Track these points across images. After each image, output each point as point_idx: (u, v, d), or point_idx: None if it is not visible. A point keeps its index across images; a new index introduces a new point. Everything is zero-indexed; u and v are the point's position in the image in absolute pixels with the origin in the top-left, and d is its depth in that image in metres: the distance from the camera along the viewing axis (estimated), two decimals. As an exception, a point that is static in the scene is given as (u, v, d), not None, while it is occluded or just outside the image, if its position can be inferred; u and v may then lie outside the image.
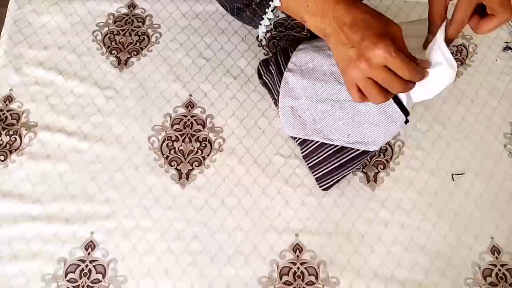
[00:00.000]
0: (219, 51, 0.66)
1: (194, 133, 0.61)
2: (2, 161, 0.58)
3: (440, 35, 0.46)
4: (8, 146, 0.58)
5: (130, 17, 0.68)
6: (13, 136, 0.59)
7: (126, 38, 0.67)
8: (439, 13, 0.47)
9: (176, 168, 0.58)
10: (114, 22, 0.68)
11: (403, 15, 0.70)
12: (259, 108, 0.63)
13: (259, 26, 0.52)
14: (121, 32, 0.67)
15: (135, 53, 0.66)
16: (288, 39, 0.67)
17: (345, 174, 0.56)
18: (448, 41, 0.46)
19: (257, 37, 0.68)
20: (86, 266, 0.53)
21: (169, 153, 0.59)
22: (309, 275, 0.54)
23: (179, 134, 0.60)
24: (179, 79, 0.64)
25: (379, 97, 0.44)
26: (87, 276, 0.52)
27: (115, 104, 0.62)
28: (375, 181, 0.59)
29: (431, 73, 0.45)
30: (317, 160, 0.56)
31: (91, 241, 0.54)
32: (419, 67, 0.44)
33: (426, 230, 0.57)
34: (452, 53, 0.68)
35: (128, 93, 0.63)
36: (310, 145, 0.56)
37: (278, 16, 0.56)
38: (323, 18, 0.44)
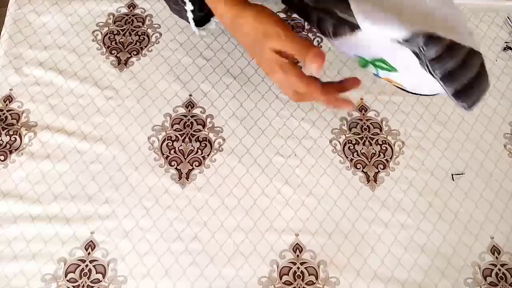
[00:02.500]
0: (219, 51, 0.67)
1: (194, 133, 0.61)
2: (2, 161, 0.58)
3: None
4: (8, 146, 0.58)
5: (130, 17, 0.68)
6: (13, 136, 0.59)
7: (126, 38, 0.67)
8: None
9: (176, 168, 0.58)
10: (114, 22, 0.68)
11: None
12: (259, 108, 0.63)
13: (188, 20, 0.53)
14: (121, 32, 0.67)
15: (135, 53, 0.66)
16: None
17: None
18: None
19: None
20: (86, 266, 0.53)
21: (169, 153, 0.59)
22: (309, 275, 0.54)
23: (179, 134, 0.60)
24: (179, 79, 0.64)
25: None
26: (87, 276, 0.52)
27: (115, 104, 0.62)
28: (375, 181, 0.59)
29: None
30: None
31: (91, 241, 0.54)
32: (315, 84, 0.43)
33: (426, 230, 0.57)
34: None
35: (128, 93, 0.63)
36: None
37: (203, 13, 0.57)
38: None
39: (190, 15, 0.53)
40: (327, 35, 0.47)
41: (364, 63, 0.47)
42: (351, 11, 0.42)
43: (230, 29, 0.47)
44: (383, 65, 0.45)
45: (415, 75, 0.42)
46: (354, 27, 0.42)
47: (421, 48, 0.38)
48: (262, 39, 0.43)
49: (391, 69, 0.45)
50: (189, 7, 0.52)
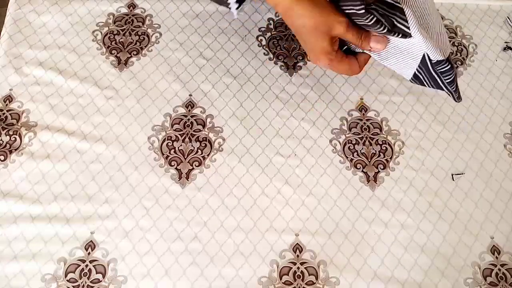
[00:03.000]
0: (219, 51, 0.67)
1: (194, 133, 0.61)
2: (2, 161, 0.58)
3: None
4: (8, 146, 0.58)
5: (130, 17, 0.68)
6: (13, 136, 0.59)
7: (126, 38, 0.67)
8: None
9: (176, 168, 0.58)
10: (114, 22, 0.68)
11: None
12: (259, 108, 0.63)
13: (229, 6, 0.54)
14: (121, 32, 0.67)
15: (135, 53, 0.66)
16: (288, 39, 0.67)
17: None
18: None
19: (257, 37, 0.68)
20: (86, 266, 0.53)
21: (169, 153, 0.59)
22: (309, 275, 0.54)
23: (179, 134, 0.60)
24: (179, 79, 0.64)
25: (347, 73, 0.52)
26: (87, 276, 0.52)
27: (115, 104, 0.62)
28: (375, 181, 0.59)
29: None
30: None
31: (91, 241, 0.54)
32: (355, 64, 0.50)
33: (426, 230, 0.57)
34: (452, 53, 0.68)
35: (128, 93, 0.63)
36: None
37: None
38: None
39: (234, 5, 0.54)
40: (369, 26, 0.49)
41: None
42: (405, 21, 0.46)
43: (283, 16, 0.48)
44: None
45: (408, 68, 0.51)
46: (406, 35, 0.46)
47: (442, 68, 0.48)
48: (325, 28, 0.46)
49: None
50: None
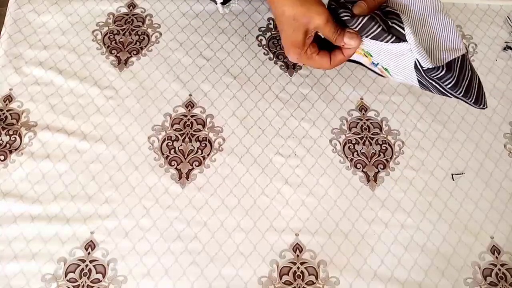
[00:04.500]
0: (219, 50, 0.66)
1: (194, 133, 0.61)
2: (2, 161, 0.58)
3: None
4: (8, 146, 0.58)
5: (130, 17, 0.68)
6: (13, 136, 0.59)
7: (126, 38, 0.67)
8: None
9: (176, 168, 0.58)
10: (114, 22, 0.68)
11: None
12: (259, 108, 0.63)
13: (216, 2, 0.55)
14: (121, 31, 0.67)
15: (135, 52, 0.66)
16: (288, 39, 0.67)
17: None
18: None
19: (257, 36, 0.68)
20: (86, 266, 0.53)
21: (169, 153, 0.59)
22: (309, 275, 0.54)
23: (179, 134, 0.60)
24: (179, 79, 0.64)
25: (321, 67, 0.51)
26: (87, 276, 0.52)
27: (115, 104, 0.62)
28: (375, 181, 0.59)
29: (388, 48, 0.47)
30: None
31: (91, 241, 0.54)
32: (326, 62, 0.50)
33: (426, 230, 0.57)
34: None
35: (128, 93, 0.63)
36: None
37: None
38: None
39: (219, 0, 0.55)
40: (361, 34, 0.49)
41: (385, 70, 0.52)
42: (401, 23, 0.46)
43: (269, 3, 0.49)
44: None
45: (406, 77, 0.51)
46: (401, 39, 0.46)
47: (437, 74, 0.47)
48: (304, 20, 0.47)
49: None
50: None
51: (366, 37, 0.48)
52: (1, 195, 0.56)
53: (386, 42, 0.47)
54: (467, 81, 0.47)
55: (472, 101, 0.48)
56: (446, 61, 0.47)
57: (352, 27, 0.47)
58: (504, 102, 0.65)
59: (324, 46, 0.50)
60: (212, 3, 0.69)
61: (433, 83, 0.48)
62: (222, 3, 0.57)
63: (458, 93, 0.48)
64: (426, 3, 0.49)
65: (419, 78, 0.49)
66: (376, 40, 0.47)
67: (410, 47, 0.46)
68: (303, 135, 0.61)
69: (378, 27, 0.46)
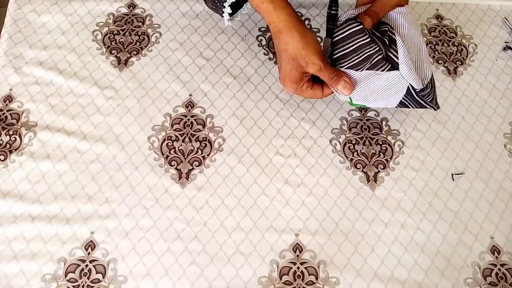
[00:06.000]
0: (219, 51, 0.67)
1: (194, 133, 0.61)
2: (2, 161, 0.58)
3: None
4: (8, 146, 0.58)
5: (130, 17, 0.68)
6: (13, 136, 0.59)
7: (126, 38, 0.67)
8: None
9: (176, 168, 0.58)
10: (114, 22, 0.68)
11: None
12: (259, 108, 0.63)
13: (223, 16, 0.58)
14: (121, 32, 0.67)
15: (135, 53, 0.66)
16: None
17: None
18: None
19: (257, 36, 0.68)
20: (86, 266, 0.53)
21: (169, 153, 0.59)
22: (309, 275, 0.54)
23: (179, 134, 0.60)
24: (179, 79, 0.64)
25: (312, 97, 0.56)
26: (87, 276, 0.52)
27: (115, 104, 0.62)
28: (375, 181, 0.59)
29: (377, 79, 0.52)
30: None
31: (91, 241, 0.54)
32: (318, 94, 0.55)
33: (426, 230, 0.57)
34: (452, 53, 0.68)
35: (128, 93, 0.63)
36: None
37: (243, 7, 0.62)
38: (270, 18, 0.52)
39: (226, 16, 0.58)
40: (360, 67, 0.52)
41: (351, 104, 0.58)
42: (396, 51, 0.51)
43: (273, 35, 0.53)
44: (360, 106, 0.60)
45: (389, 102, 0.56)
46: (394, 67, 0.51)
47: (424, 92, 0.54)
48: (301, 62, 0.51)
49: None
50: (228, 10, 0.57)
51: (363, 68, 0.52)
52: (1, 195, 0.56)
53: (383, 71, 0.52)
54: (435, 91, 0.56)
55: (437, 106, 0.57)
56: (429, 77, 0.54)
57: (355, 57, 0.52)
58: (504, 102, 0.65)
59: (317, 77, 0.54)
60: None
61: (419, 99, 0.54)
62: (229, 16, 0.58)
63: (433, 103, 0.55)
64: (408, 18, 0.55)
65: (403, 99, 0.55)
66: (372, 70, 0.52)
67: (403, 75, 0.52)
68: (303, 135, 0.61)
69: (380, 56, 0.51)
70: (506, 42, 0.70)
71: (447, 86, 0.66)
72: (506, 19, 0.71)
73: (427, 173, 0.60)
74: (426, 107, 0.56)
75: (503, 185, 0.60)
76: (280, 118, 0.62)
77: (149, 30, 0.67)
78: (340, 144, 0.61)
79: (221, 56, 0.66)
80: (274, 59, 0.66)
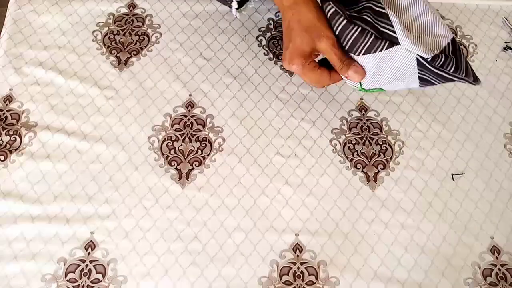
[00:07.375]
0: (219, 51, 0.67)
1: (194, 133, 0.61)
2: (2, 161, 0.58)
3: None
4: (8, 146, 0.58)
5: (130, 17, 0.68)
6: (13, 136, 0.59)
7: (126, 38, 0.67)
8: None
9: (176, 168, 0.58)
10: (114, 22, 0.68)
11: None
12: (259, 108, 0.63)
13: (231, 7, 0.57)
14: (121, 32, 0.67)
15: (135, 53, 0.66)
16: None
17: None
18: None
19: (257, 37, 0.68)
20: (86, 266, 0.53)
21: (169, 153, 0.59)
22: (309, 275, 0.54)
23: (179, 134, 0.60)
24: (179, 79, 0.64)
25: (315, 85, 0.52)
26: (87, 276, 0.52)
27: (115, 104, 0.62)
28: (375, 181, 0.59)
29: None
30: None
31: (91, 241, 0.54)
32: (325, 77, 0.51)
33: (426, 230, 0.57)
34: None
35: (128, 93, 0.63)
36: None
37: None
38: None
39: (235, 5, 0.56)
40: (355, 51, 0.49)
41: (362, 90, 0.54)
42: (391, 26, 0.47)
43: (283, 11, 0.50)
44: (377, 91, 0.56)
45: (403, 82, 0.51)
46: (394, 42, 0.47)
47: (440, 62, 0.48)
48: (313, 36, 0.48)
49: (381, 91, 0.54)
50: (235, 3, 0.56)
51: (359, 53, 0.48)
52: (1, 195, 0.56)
53: (381, 50, 0.48)
54: (464, 61, 0.49)
55: (472, 79, 0.50)
56: (441, 48, 0.49)
57: (344, 42, 0.48)
58: (504, 102, 0.65)
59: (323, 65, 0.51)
60: (214, 3, 0.69)
61: (438, 71, 0.49)
62: (237, 8, 0.58)
63: (460, 73, 0.49)
64: None
65: (421, 75, 0.49)
66: (369, 53, 0.48)
67: (407, 48, 0.47)
68: (303, 135, 0.61)
69: (371, 36, 0.47)
70: (506, 42, 0.70)
71: (447, 86, 0.66)
72: (506, 19, 0.71)
73: (427, 173, 0.60)
74: (453, 80, 0.50)
75: (503, 185, 0.60)
76: (280, 118, 0.62)
77: (149, 30, 0.67)
78: (340, 144, 0.61)
79: (221, 56, 0.66)
80: (274, 59, 0.66)
